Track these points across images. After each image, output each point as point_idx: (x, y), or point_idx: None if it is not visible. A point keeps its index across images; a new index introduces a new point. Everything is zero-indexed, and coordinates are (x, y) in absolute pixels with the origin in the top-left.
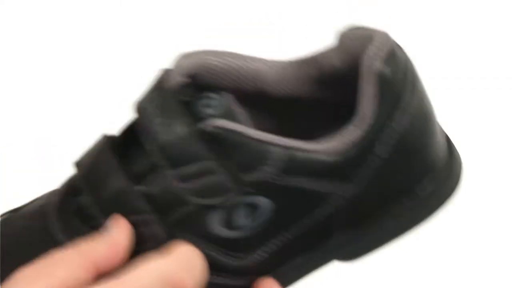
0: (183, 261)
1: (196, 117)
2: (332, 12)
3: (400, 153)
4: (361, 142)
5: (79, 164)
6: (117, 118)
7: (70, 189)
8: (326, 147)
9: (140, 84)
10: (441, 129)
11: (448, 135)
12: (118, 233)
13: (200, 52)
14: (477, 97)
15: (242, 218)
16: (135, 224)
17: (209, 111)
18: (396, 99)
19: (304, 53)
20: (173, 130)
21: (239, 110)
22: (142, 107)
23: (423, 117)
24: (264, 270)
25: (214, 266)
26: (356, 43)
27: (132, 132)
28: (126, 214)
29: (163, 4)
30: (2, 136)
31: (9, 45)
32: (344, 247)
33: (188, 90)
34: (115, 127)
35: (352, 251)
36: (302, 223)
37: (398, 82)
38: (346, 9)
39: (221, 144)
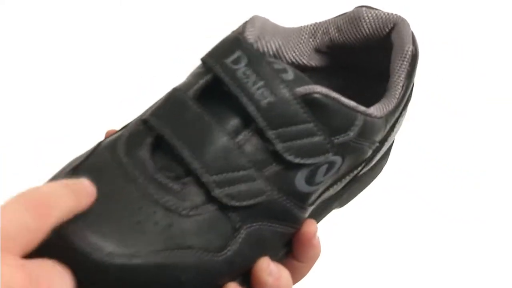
0: None
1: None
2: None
3: (400, 124)
4: (395, 112)
5: (159, 117)
6: (116, 119)
7: (141, 145)
8: (379, 111)
9: (140, 84)
10: None
11: None
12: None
13: (254, 26)
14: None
15: (321, 175)
16: (240, 180)
17: (285, 76)
18: (413, 81)
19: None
20: (276, 93)
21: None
22: (227, 68)
23: None
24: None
25: (289, 218)
26: (373, 23)
27: (204, 90)
28: (230, 170)
29: (163, 4)
30: (2, 136)
31: (9, 45)
32: (342, 198)
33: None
34: (114, 127)
35: (344, 199)
36: (347, 178)
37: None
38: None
39: (319, 109)
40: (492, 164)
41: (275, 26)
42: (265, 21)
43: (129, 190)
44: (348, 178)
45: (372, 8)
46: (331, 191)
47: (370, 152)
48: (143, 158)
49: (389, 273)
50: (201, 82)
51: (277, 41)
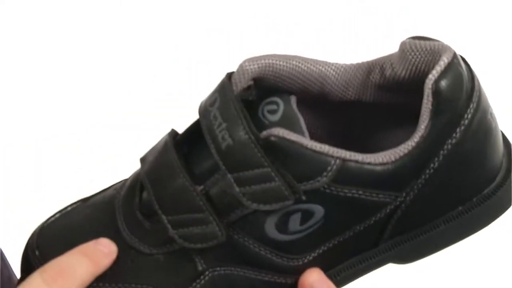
0: None
1: (258, 122)
2: (338, 16)
3: (459, 167)
4: (416, 155)
5: (143, 160)
6: (115, 119)
7: (136, 183)
8: (380, 158)
9: (140, 86)
10: (501, 142)
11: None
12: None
13: (267, 56)
14: None
15: (296, 224)
16: (194, 222)
17: (271, 117)
18: (457, 116)
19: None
20: (235, 136)
21: (299, 116)
22: (205, 109)
23: (484, 134)
24: None
25: (266, 266)
26: (420, 55)
27: (195, 132)
28: (186, 212)
29: (164, 5)
30: (2, 136)
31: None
32: (397, 251)
33: (251, 94)
34: (115, 132)
35: (406, 254)
36: (353, 229)
37: (460, 100)
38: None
39: (280, 153)
40: None
41: (313, 61)
42: (277, 61)
43: (104, 223)
44: (363, 230)
45: (420, 38)
46: (346, 245)
47: (382, 201)
48: (134, 194)
49: (388, 273)
50: (191, 125)
51: (319, 76)
